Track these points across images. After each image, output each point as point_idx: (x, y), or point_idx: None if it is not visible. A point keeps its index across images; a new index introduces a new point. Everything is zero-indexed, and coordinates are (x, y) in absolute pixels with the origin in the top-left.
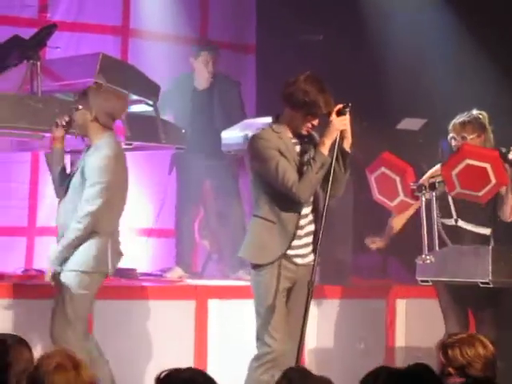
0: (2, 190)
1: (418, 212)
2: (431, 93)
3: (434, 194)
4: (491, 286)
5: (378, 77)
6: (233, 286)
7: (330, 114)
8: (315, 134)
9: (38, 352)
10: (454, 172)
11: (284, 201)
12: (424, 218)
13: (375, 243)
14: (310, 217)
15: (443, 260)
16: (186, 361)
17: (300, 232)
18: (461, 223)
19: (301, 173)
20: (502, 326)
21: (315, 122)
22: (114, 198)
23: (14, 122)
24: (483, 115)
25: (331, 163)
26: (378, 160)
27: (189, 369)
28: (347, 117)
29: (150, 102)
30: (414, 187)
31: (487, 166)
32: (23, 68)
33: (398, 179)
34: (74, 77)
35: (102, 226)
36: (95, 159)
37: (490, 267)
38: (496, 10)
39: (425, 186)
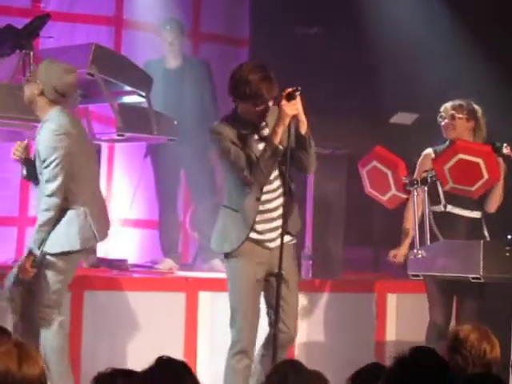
0: None
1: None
2: (425, 87)
3: (425, 188)
4: (482, 281)
5: (372, 70)
6: (224, 278)
7: (279, 100)
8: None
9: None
10: (447, 167)
11: (243, 188)
12: (415, 213)
13: (396, 257)
14: (278, 201)
15: (435, 254)
16: (175, 353)
17: (266, 216)
18: (449, 208)
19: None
20: (484, 319)
21: (266, 108)
22: (76, 168)
23: (6, 112)
24: (477, 106)
25: (289, 148)
26: (370, 154)
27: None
28: (298, 101)
29: (143, 93)
30: (406, 181)
31: (480, 161)
32: (16, 58)
33: (389, 173)
34: None
35: (72, 200)
36: (43, 138)
37: (482, 262)
38: (491, 3)
39: (416, 181)
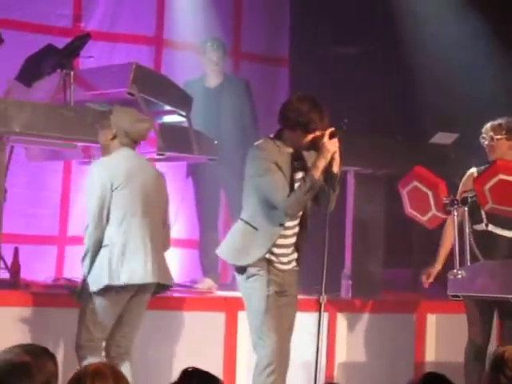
0: (34, 198)
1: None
2: (465, 107)
3: (466, 208)
4: None
5: (412, 90)
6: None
7: (322, 136)
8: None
9: (66, 362)
10: (487, 187)
11: (271, 211)
12: (456, 233)
13: (430, 276)
14: (296, 229)
15: (474, 275)
16: (215, 372)
17: (283, 241)
18: (491, 227)
19: (292, 189)
20: None
21: (316, 138)
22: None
23: (47, 131)
24: None
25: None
26: (411, 174)
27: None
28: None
29: (183, 113)
30: (447, 202)
31: None
32: (56, 77)
33: (430, 193)
34: (107, 87)
35: (107, 237)
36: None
37: None
38: None
39: (457, 201)
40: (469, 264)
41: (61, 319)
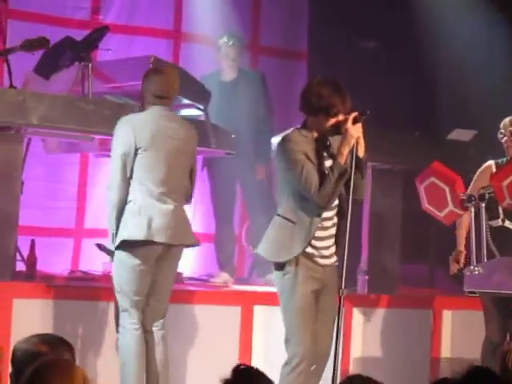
0: (51, 190)
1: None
2: (482, 104)
3: (483, 204)
4: None
5: (431, 86)
6: None
7: (345, 121)
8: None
9: (81, 352)
10: (505, 183)
11: (306, 202)
12: (472, 229)
13: (459, 261)
14: (335, 219)
15: (491, 271)
16: (230, 367)
17: (323, 233)
18: (507, 223)
19: (323, 177)
20: None
21: (339, 122)
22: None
23: (65, 123)
24: None
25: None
26: (428, 170)
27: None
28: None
29: (201, 107)
30: (464, 198)
31: None
32: (75, 69)
33: (447, 189)
34: (125, 79)
35: (130, 194)
36: None
37: None
38: None
39: (474, 197)
40: (485, 260)
41: (76, 311)
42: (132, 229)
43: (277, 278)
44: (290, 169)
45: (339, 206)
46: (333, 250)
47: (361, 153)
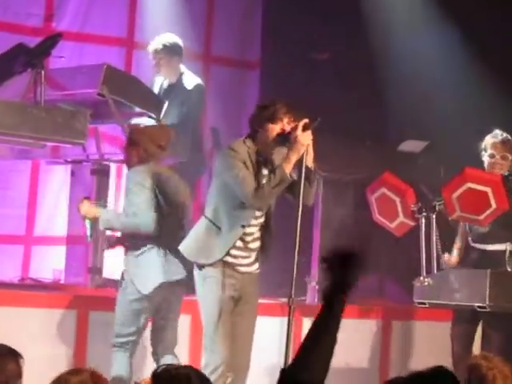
0: (1, 197)
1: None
2: (434, 115)
3: (433, 216)
4: (488, 310)
5: (382, 97)
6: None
7: (295, 128)
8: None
9: (27, 362)
10: (455, 195)
11: (234, 211)
12: (423, 240)
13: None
14: (257, 233)
15: (441, 283)
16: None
17: (242, 244)
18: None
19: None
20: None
21: (284, 132)
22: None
23: (17, 130)
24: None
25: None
26: (379, 180)
27: (185, 366)
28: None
29: (153, 116)
30: (415, 209)
31: (488, 190)
32: (27, 76)
33: (398, 200)
34: (78, 87)
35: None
36: None
37: (488, 291)
38: (498, 28)
39: (425, 208)
40: (435, 272)
41: (27, 319)
42: None
43: (197, 281)
44: (228, 170)
45: (265, 219)
46: (253, 259)
47: (309, 162)
